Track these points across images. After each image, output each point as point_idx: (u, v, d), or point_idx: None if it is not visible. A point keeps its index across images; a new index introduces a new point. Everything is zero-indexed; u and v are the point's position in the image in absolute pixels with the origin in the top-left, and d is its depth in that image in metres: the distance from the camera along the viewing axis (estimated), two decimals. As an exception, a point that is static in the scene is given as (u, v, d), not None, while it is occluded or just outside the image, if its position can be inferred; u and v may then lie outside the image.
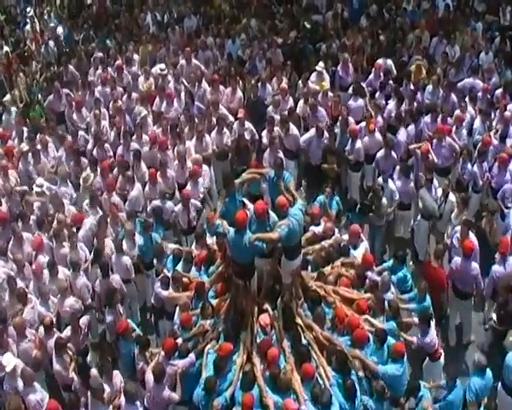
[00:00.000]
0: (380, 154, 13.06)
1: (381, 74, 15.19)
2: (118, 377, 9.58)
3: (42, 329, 10.22)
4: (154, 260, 11.56)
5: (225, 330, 9.52)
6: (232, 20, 18.27)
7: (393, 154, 12.99)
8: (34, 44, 18.12)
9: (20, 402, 9.16)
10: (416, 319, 9.96)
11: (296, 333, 9.45)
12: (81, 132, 14.47)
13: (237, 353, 9.27)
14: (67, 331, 10.21)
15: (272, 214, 9.38)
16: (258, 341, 9.35)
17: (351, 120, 13.90)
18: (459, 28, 16.81)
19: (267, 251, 9.43)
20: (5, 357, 9.56)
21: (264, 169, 11.16)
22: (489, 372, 9.27)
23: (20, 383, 9.44)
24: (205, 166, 13.20)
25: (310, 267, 10.66)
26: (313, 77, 15.27)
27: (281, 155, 12.78)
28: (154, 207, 12.26)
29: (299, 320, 9.56)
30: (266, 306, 9.61)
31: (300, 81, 15.43)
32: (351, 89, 15.03)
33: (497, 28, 16.88)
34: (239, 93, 15.22)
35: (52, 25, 18.98)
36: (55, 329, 10.23)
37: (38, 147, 13.75)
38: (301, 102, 14.73)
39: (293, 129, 13.84)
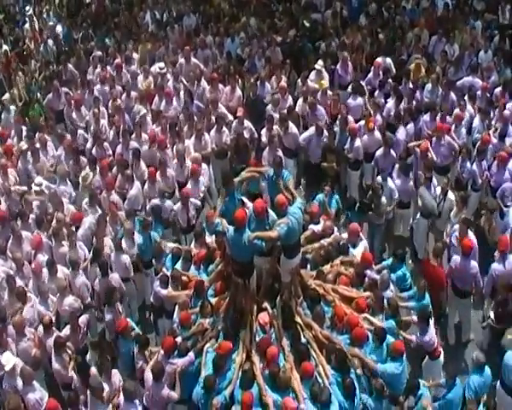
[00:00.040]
0: (379, 152, 13.06)
1: (381, 73, 15.19)
2: (116, 376, 9.59)
3: (41, 328, 10.22)
4: (153, 259, 11.56)
5: (224, 328, 9.52)
6: (231, 19, 18.26)
7: (392, 152, 12.99)
8: (33, 43, 18.10)
9: (20, 401, 9.16)
10: (415, 318, 9.96)
11: (295, 332, 9.45)
12: (80, 131, 14.45)
13: (236, 351, 9.27)
14: (67, 330, 10.21)
15: (271, 213, 9.38)
16: (257, 339, 9.35)
17: (350, 118, 13.90)
18: (458, 27, 16.80)
19: (266, 250, 9.43)
20: (4, 356, 9.56)
21: (263, 168, 11.16)
22: (488, 370, 9.29)
23: (20, 382, 9.44)
24: (204, 165, 13.20)
25: (309, 266, 10.65)
26: (312, 75, 15.27)
27: (280, 153, 12.79)
28: (153, 205, 12.26)
29: (298, 319, 9.56)
30: (265, 304, 9.62)
31: (299, 80, 15.41)
32: (350, 87, 15.04)
33: (497, 27, 16.87)
34: (238, 92, 15.21)
35: (51, 23, 18.98)
36: (54, 328, 10.23)
37: (37, 146, 13.74)
38: (300, 101, 14.72)
39: (293, 127, 13.83)
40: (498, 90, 14.49)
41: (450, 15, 17.47)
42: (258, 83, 15.38)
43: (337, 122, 14.01)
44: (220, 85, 15.33)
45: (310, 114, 14.29)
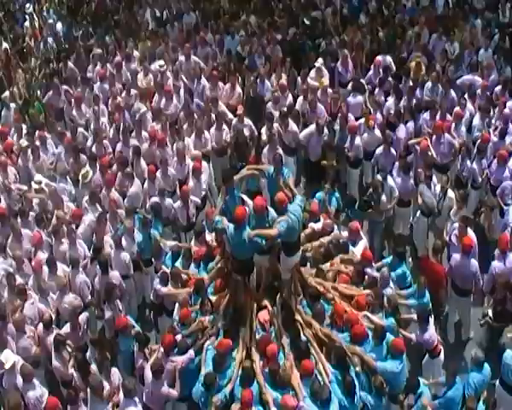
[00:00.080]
0: (379, 150, 13.07)
1: (381, 71, 15.19)
2: (116, 374, 9.59)
3: (41, 326, 10.23)
4: (153, 258, 11.57)
5: (224, 326, 9.53)
6: (231, 17, 18.24)
7: (392, 150, 13.00)
8: (33, 41, 18.06)
9: (20, 399, 9.17)
10: (414, 316, 9.97)
11: (295, 330, 9.46)
12: (80, 129, 14.44)
13: (236, 349, 9.28)
14: (66, 328, 10.22)
15: (271, 210, 9.38)
16: (257, 337, 9.36)
17: (350, 116, 13.90)
18: (458, 25, 16.79)
19: (266, 247, 9.43)
20: (4, 354, 9.56)
21: (263, 165, 11.17)
22: (487, 367, 9.30)
23: (20, 380, 9.44)
24: (204, 163, 13.17)
25: (309, 264, 10.66)
26: (312, 73, 15.27)
27: (280, 151, 12.77)
28: (153, 203, 12.25)
29: (298, 317, 9.57)
30: (265, 302, 9.63)
31: (299, 77, 15.41)
32: (350, 85, 15.03)
33: (497, 25, 16.85)
34: (238, 89, 15.20)
35: (51, 21, 18.91)
36: (54, 326, 10.23)
37: (37, 143, 13.73)
38: (300, 99, 14.71)
39: (293, 125, 13.83)
40: (498, 88, 14.49)
41: (451, 14, 17.47)
42: (258, 81, 15.37)
43: (337, 120, 14.00)
44: (220, 83, 15.32)
45: (310, 112, 14.29)
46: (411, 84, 14.69)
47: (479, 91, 14.31)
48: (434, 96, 14.49)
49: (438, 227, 12.23)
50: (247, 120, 14.08)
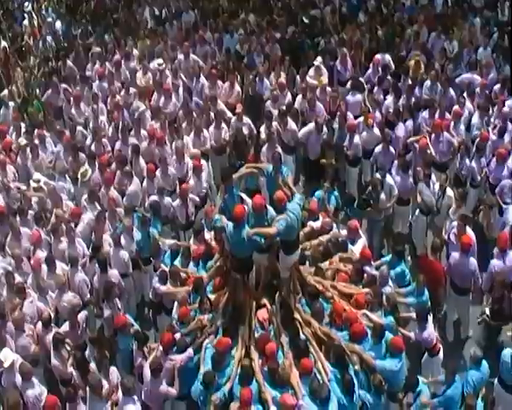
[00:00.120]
0: (378, 149, 13.07)
1: (380, 69, 15.19)
2: (114, 373, 9.58)
3: (40, 324, 10.23)
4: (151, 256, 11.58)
5: (223, 324, 9.53)
6: (230, 15, 18.23)
7: (391, 149, 13.00)
8: (32, 39, 18.05)
9: (19, 397, 9.15)
10: (413, 314, 9.97)
11: (294, 328, 9.45)
12: (79, 127, 14.43)
13: (235, 347, 9.28)
14: (65, 327, 10.22)
15: (270, 209, 9.36)
16: (256, 336, 9.36)
17: (349, 115, 13.90)
18: (457, 23, 16.77)
19: (265, 246, 9.42)
20: (3, 352, 9.55)
21: (262, 164, 11.17)
22: (485, 364, 9.30)
23: (19, 379, 9.43)
24: (203, 161, 13.18)
25: (308, 262, 10.66)
26: (311, 72, 15.27)
27: (279, 149, 12.76)
28: (151, 202, 12.24)
29: (297, 315, 9.57)
30: (264, 301, 9.63)
31: (298, 76, 15.42)
32: (349, 84, 15.03)
33: (496, 23, 16.84)
34: (237, 88, 15.20)
35: (50, 20, 18.91)
36: (53, 324, 10.23)
37: (36, 142, 13.72)
38: (299, 97, 14.71)
39: (292, 124, 13.83)
40: (497, 86, 14.49)
41: (449, 12, 17.44)
42: (257, 79, 15.35)
43: (336, 119, 14.00)
44: (219, 82, 15.32)
45: (309, 110, 14.28)
46: (410, 82, 14.67)
47: (478, 90, 14.31)
48: (433, 94, 14.48)
49: (437, 226, 12.23)
50: (245, 119, 14.08)
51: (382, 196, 12.12)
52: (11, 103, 15.34)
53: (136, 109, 14.60)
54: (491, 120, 13.72)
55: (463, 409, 8.83)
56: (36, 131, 14.04)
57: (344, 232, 11.18)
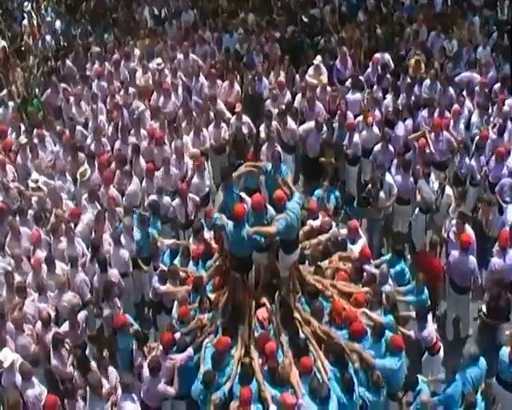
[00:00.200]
0: (377, 148, 13.07)
1: (379, 68, 15.18)
2: (113, 373, 9.58)
3: (39, 324, 10.22)
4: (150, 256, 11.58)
5: (223, 324, 9.53)
6: (229, 15, 18.23)
7: (391, 148, 13.01)
8: (31, 39, 18.05)
9: (19, 397, 9.15)
10: (413, 313, 9.97)
11: (294, 327, 9.45)
12: (79, 127, 14.43)
13: (235, 347, 9.28)
14: (65, 327, 10.21)
15: (270, 208, 9.37)
16: (256, 335, 9.36)
17: (349, 114, 13.90)
18: (457, 22, 16.77)
19: (265, 245, 9.43)
20: (3, 352, 9.55)
21: (261, 163, 11.16)
22: (483, 360, 9.30)
23: (19, 378, 9.43)
24: (203, 161, 13.20)
25: (307, 261, 10.66)
26: (311, 71, 15.27)
27: (278, 149, 12.75)
28: (151, 201, 12.24)
29: (296, 314, 9.57)
30: (264, 300, 9.63)
31: (298, 75, 15.41)
32: (348, 82, 15.03)
33: (495, 22, 16.84)
34: (236, 87, 15.21)
35: (49, 19, 18.92)
36: (52, 324, 10.23)
37: (36, 141, 13.71)
38: (299, 97, 14.72)
39: (291, 123, 13.84)
40: (497, 85, 14.49)
41: (449, 11, 17.46)
42: (257, 78, 15.33)
43: (336, 118, 14.00)
44: (218, 81, 15.33)
45: (308, 109, 14.29)
46: (409, 81, 14.68)
47: (477, 89, 14.31)
48: (433, 93, 14.48)
49: (436, 224, 12.23)
50: (245, 118, 14.08)
51: (382, 194, 12.12)
52: (10, 103, 15.33)
53: (136, 109, 14.58)
54: (491, 118, 13.71)
55: (463, 408, 8.82)
56: (35, 130, 14.04)
57: (343, 231, 11.18)
